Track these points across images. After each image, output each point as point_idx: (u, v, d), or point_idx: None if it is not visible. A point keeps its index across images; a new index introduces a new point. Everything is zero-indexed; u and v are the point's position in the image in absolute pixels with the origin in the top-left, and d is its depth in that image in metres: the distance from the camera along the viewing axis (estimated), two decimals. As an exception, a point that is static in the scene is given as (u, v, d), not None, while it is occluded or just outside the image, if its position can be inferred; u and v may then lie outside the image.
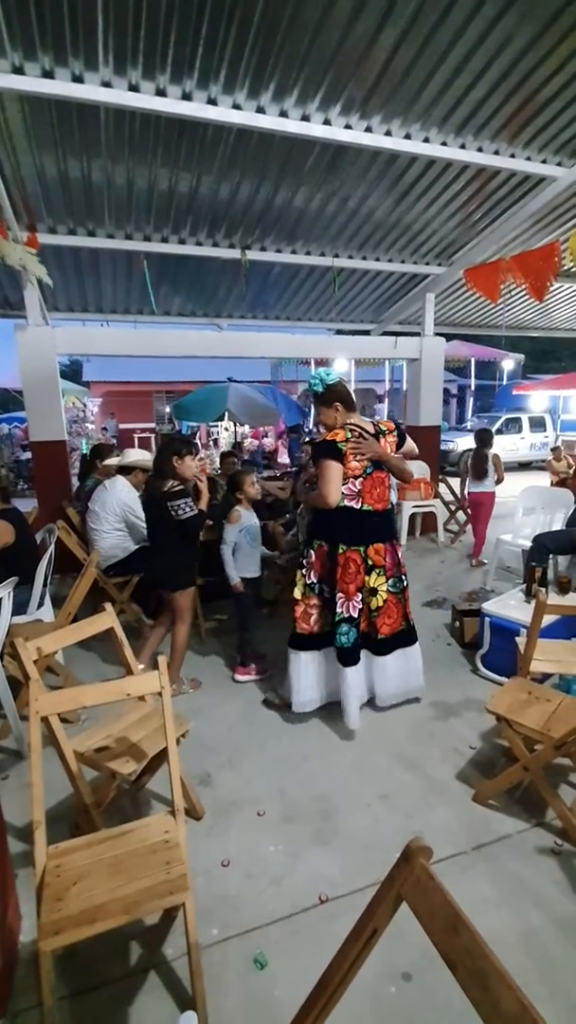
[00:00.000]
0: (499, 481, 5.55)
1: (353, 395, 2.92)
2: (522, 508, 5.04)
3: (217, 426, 13.92)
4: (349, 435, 2.72)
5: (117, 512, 3.91)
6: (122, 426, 17.09)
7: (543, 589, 3.35)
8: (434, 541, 6.58)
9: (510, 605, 3.44)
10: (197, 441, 14.73)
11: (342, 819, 2.27)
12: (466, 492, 5.78)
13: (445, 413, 16.69)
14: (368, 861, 2.04)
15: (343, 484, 2.71)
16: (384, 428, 2.90)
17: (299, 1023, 1.00)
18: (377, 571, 2.82)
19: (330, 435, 2.75)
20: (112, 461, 4.09)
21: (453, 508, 6.91)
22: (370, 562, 2.80)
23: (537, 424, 13.48)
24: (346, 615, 2.77)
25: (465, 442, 12.55)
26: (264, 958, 1.69)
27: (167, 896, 1.46)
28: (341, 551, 2.75)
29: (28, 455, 9.82)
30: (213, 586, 4.15)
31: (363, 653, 2.89)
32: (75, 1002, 1.59)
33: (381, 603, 2.84)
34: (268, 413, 9.08)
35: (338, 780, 2.51)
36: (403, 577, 2.97)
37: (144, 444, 13.48)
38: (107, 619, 2.27)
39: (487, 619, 3.40)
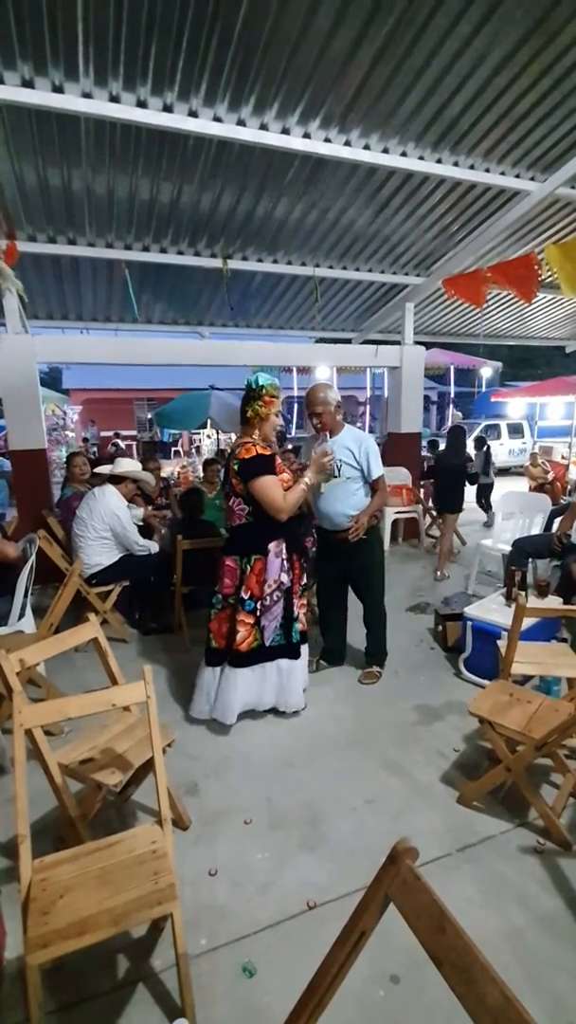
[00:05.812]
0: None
1: (244, 412, 2.74)
2: (502, 513, 5.14)
3: (199, 433, 13.89)
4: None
5: (105, 520, 3.89)
6: (103, 434, 16.95)
7: (523, 593, 3.41)
8: (416, 547, 6.65)
9: (491, 609, 3.50)
10: (179, 448, 14.70)
11: (328, 825, 2.28)
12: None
13: (426, 420, 16.92)
14: (355, 865, 2.05)
15: None
16: (234, 455, 2.73)
17: (289, 1028, 1.01)
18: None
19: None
20: (103, 469, 4.05)
21: (435, 513, 6.99)
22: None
23: (515, 430, 13.70)
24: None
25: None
26: (253, 966, 1.69)
27: (155, 906, 1.46)
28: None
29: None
30: (197, 595, 4.13)
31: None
32: (63, 1016, 1.57)
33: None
34: (250, 420, 9.12)
35: (324, 786, 2.51)
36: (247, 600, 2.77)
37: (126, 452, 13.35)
38: (90, 629, 2.26)
39: (469, 623, 3.45)
